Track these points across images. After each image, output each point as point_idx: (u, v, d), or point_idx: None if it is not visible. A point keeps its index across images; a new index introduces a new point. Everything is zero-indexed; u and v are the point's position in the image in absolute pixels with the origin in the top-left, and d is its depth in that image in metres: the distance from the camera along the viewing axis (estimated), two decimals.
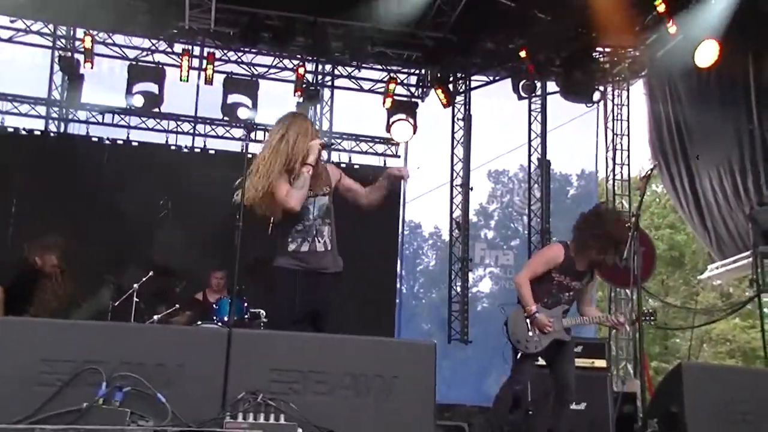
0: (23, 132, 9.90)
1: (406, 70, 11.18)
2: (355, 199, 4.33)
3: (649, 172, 4.81)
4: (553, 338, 5.08)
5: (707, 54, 8.07)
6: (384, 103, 10.55)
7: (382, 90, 10.83)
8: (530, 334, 5.06)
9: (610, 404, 6.49)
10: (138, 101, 9.62)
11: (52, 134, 10.37)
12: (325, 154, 4.28)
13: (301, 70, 10.16)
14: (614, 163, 11.29)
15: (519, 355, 5.13)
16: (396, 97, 10.63)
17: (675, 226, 21.10)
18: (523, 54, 9.66)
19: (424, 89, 11.22)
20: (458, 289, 11.08)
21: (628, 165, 11.29)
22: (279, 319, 4.16)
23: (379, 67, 10.95)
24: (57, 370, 3.17)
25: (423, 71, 11.19)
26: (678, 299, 20.42)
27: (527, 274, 5.09)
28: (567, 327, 5.16)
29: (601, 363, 6.82)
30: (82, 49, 9.56)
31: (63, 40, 10.35)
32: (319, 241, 4.13)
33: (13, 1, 9.07)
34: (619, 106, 11.32)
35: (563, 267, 5.07)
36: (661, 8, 8.30)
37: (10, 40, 9.96)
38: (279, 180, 4.01)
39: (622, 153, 11.28)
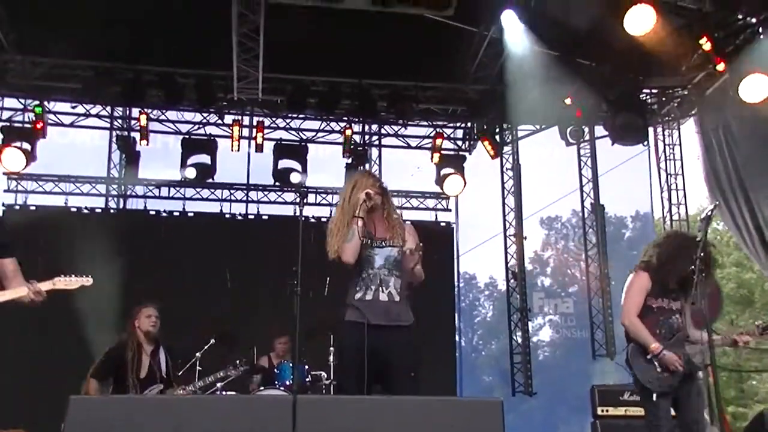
0: (85, 210, 10.29)
1: (452, 125, 11.24)
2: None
3: (709, 213, 4.62)
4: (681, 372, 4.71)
5: (756, 89, 7.91)
6: (432, 158, 10.60)
7: (429, 145, 10.88)
8: (659, 370, 4.68)
9: None
10: (191, 173, 9.93)
11: (112, 210, 10.74)
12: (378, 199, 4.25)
13: (348, 132, 10.34)
14: (670, 203, 11.08)
15: (654, 396, 4.66)
16: (444, 152, 10.67)
17: (742, 263, 20.39)
18: (568, 101, 9.65)
19: (471, 142, 11.24)
20: (519, 339, 10.86)
21: (685, 204, 11.08)
22: (346, 373, 4.16)
23: (425, 123, 11.07)
24: None
25: (469, 124, 11.25)
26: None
27: (633, 311, 4.75)
28: (692, 355, 4.75)
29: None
30: (138, 128, 9.94)
31: (119, 120, 10.75)
32: (383, 291, 4.13)
33: (74, 88, 9.50)
34: (671, 146, 11.17)
35: (655, 290, 4.77)
36: (707, 46, 8.20)
37: (71, 125, 10.45)
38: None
39: (677, 192, 11.09)
